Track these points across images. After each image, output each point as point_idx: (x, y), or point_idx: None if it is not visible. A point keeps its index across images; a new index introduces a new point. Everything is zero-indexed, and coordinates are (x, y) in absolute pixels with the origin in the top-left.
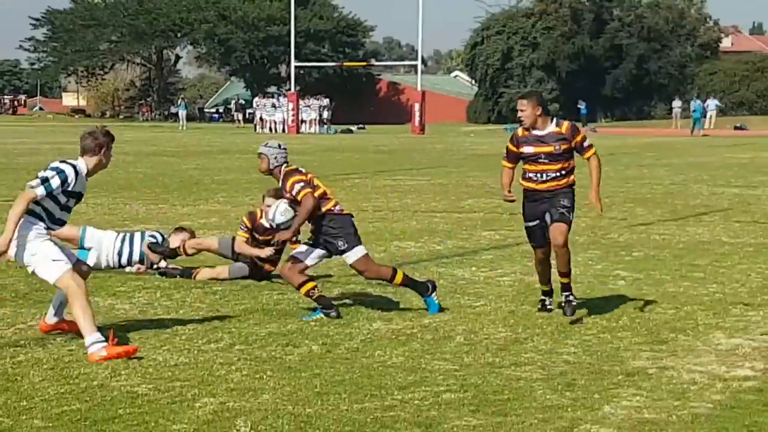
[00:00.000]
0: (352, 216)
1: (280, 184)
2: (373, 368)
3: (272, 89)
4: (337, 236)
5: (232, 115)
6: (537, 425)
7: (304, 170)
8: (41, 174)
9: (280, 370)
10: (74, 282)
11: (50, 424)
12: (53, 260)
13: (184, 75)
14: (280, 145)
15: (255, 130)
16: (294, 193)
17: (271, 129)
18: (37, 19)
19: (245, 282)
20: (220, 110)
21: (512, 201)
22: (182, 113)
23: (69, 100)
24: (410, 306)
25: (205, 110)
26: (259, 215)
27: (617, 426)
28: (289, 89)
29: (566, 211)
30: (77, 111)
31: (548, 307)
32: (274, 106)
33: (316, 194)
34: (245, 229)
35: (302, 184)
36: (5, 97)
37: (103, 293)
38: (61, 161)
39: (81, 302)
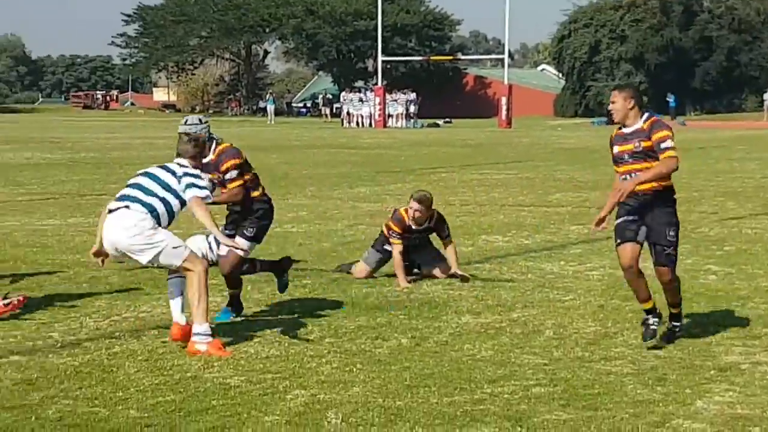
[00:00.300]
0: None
1: (206, 159)
2: (462, 362)
3: (359, 84)
4: (252, 223)
5: (320, 110)
6: (628, 420)
7: (238, 149)
8: (195, 181)
9: (370, 362)
10: (201, 265)
11: (145, 415)
12: (176, 246)
13: (272, 70)
14: (201, 120)
15: (342, 124)
16: (227, 177)
17: (358, 123)
18: (129, 15)
19: (334, 275)
20: (308, 105)
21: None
22: (270, 108)
23: (159, 95)
24: (499, 301)
25: (293, 105)
26: (406, 218)
27: (710, 421)
28: (376, 83)
29: (671, 249)
30: (167, 106)
31: (651, 327)
32: (361, 100)
33: (247, 178)
34: (397, 236)
35: (237, 171)
36: (98, 92)
37: None
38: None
39: (202, 287)
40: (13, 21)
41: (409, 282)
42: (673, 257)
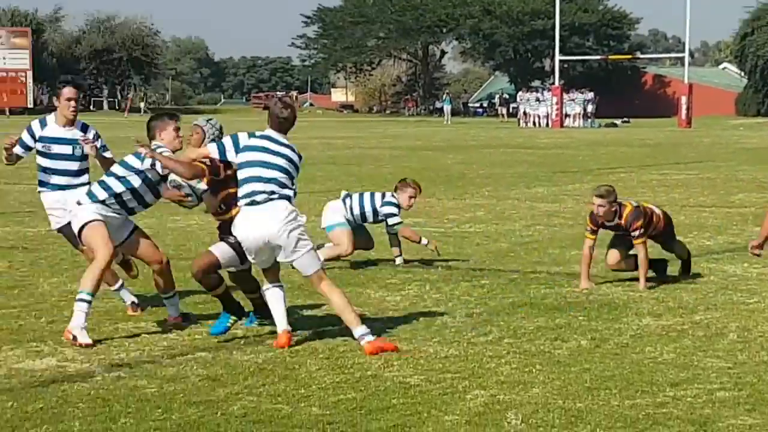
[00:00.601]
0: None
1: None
2: (644, 364)
3: (536, 83)
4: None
5: (496, 110)
6: None
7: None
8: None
9: (550, 364)
10: (327, 277)
11: (327, 412)
12: (314, 251)
13: (449, 70)
14: (220, 128)
15: (519, 124)
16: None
17: (534, 123)
18: (308, 17)
19: (512, 275)
20: (484, 105)
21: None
22: (447, 108)
23: (338, 95)
24: (680, 303)
25: (469, 105)
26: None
27: None
28: (553, 83)
29: None
30: (345, 106)
31: None
32: (538, 100)
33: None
34: (590, 231)
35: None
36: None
37: (374, 285)
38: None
39: (342, 295)
40: (196, 24)
41: (590, 283)
42: None
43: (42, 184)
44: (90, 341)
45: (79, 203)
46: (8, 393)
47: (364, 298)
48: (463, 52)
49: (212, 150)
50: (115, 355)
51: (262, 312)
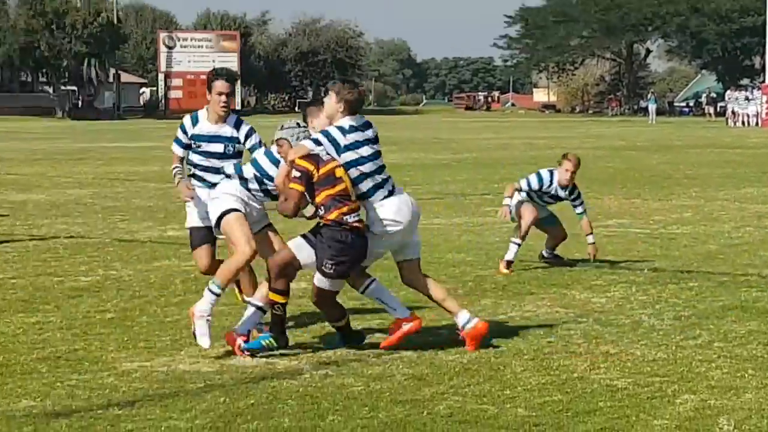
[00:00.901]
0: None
1: None
2: None
3: (745, 81)
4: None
5: (703, 109)
6: None
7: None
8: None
9: (763, 369)
10: None
11: (533, 414)
12: None
13: (654, 69)
14: (299, 124)
15: (727, 123)
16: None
17: (744, 122)
18: (511, 17)
19: (722, 278)
20: (690, 104)
21: None
22: (652, 107)
23: (539, 95)
24: None
25: (675, 104)
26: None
27: None
28: (763, 81)
29: None
30: (547, 107)
31: None
32: (747, 98)
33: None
34: None
35: (301, 173)
36: (479, 93)
37: (578, 287)
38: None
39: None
40: (399, 25)
41: None
42: None
43: (195, 177)
44: (206, 345)
45: (226, 175)
46: (220, 389)
47: (568, 299)
48: (669, 50)
49: (310, 146)
50: (323, 353)
51: (348, 338)
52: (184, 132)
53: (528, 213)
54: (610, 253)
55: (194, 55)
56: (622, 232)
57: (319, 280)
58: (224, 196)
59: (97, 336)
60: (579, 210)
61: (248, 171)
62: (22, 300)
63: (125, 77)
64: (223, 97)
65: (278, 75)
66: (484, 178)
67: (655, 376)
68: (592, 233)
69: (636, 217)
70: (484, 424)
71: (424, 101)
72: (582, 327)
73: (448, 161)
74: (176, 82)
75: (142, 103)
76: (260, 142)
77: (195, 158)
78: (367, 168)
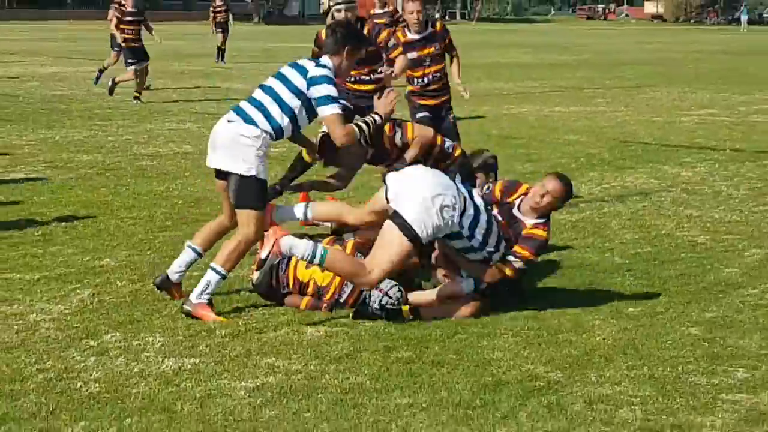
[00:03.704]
0: None
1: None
2: None
3: None
4: None
5: None
6: None
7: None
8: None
9: None
10: None
11: (627, 261)
12: None
13: None
14: None
15: None
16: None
17: None
18: None
19: None
20: None
21: None
22: (744, 18)
23: (649, 7)
24: None
25: (764, 15)
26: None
27: None
28: None
29: None
30: (656, 17)
31: None
32: None
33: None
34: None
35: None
36: (598, 6)
37: (670, 163)
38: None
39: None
40: None
41: None
42: None
43: None
44: None
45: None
46: None
47: (662, 173)
48: None
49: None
50: None
51: None
52: None
53: None
54: (701, 136)
55: None
56: (711, 120)
57: None
58: None
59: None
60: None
61: None
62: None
63: None
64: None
65: None
66: (599, 75)
67: (728, 234)
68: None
69: (723, 108)
70: (586, 268)
71: (552, 12)
72: (671, 195)
73: (570, 62)
74: None
75: (322, 11)
76: None
77: None
78: None
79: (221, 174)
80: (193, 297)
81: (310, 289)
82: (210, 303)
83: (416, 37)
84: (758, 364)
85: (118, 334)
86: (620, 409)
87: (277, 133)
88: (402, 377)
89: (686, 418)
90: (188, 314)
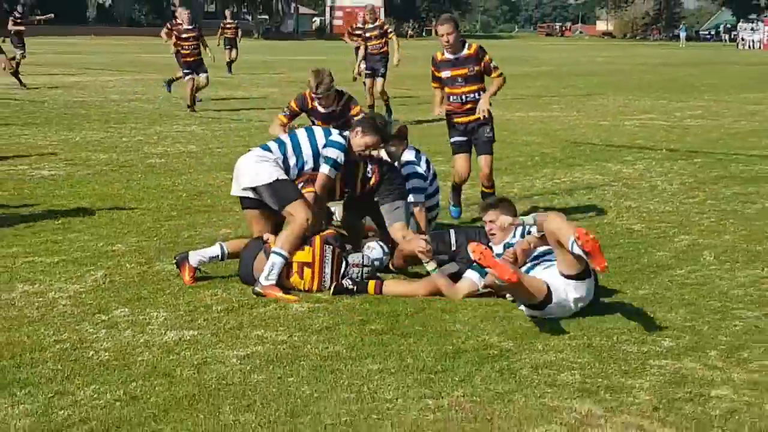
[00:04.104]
0: None
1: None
2: None
3: (752, 16)
4: None
5: (720, 37)
6: None
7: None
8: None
9: (740, 219)
10: None
11: None
12: None
13: (686, 6)
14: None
15: (737, 47)
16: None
17: (749, 46)
18: None
19: (719, 156)
20: (712, 32)
21: None
22: (683, 35)
23: (601, 26)
24: None
25: (700, 32)
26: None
27: None
28: (766, 16)
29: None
30: (606, 34)
31: None
32: (752, 29)
33: None
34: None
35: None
36: (556, 24)
37: (613, 161)
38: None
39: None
40: None
41: None
42: None
43: None
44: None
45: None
46: None
47: (605, 169)
48: None
49: None
50: None
51: None
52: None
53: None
54: (641, 138)
55: None
56: (651, 123)
57: None
58: None
59: None
60: None
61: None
62: (224, 162)
63: (302, 9)
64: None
65: (411, 9)
66: (555, 84)
67: (661, 222)
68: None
69: (661, 113)
70: None
71: (516, 29)
72: (613, 189)
73: (530, 73)
74: (338, 13)
75: (313, 28)
76: None
77: None
78: None
79: (247, 202)
80: (261, 280)
81: (294, 268)
82: (276, 284)
83: (450, 57)
84: (682, 334)
85: (126, 309)
86: (562, 374)
87: (285, 164)
88: (374, 347)
89: (619, 381)
90: (259, 295)
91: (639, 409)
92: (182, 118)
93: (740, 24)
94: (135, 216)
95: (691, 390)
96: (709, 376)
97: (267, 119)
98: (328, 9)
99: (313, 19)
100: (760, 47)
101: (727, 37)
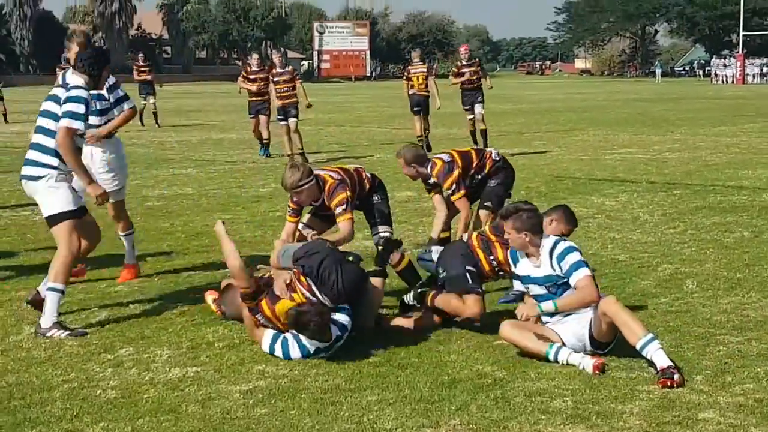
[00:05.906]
0: None
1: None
2: None
3: (725, 52)
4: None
5: (695, 72)
6: None
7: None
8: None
9: (720, 248)
10: None
11: None
12: None
13: (661, 44)
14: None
15: (711, 82)
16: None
17: (723, 81)
18: (559, 8)
19: (697, 188)
20: (686, 68)
21: None
22: (658, 71)
23: (579, 64)
24: None
25: (675, 68)
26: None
27: None
28: (738, 52)
29: None
30: (584, 71)
31: None
32: (725, 65)
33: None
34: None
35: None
36: (536, 63)
37: (596, 194)
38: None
39: None
40: (480, 12)
41: None
42: None
43: None
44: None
45: None
46: None
47: (589, 202)
48: (671, 30)
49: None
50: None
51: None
52: None
53: None
54: (621, 171)
55: (337, 38)
56: (630, 157)
57: None
58: None
59: (270, 227)
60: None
61: None
62: (220, 203)
63: (291, 54)
64: None
65: (395, 51)
66: (536, 121)
67: (644, 252)
68: None
69: (640, 147)
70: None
71: (498, 69)
72: (597, 221)
73: (512, 110)
74: (325, 57)
75: (302, 71)
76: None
77: None
78: None
79: None
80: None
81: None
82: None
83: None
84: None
85: (131, 348)
86: (555, 400)
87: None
88: (372, 378)
89: (609, 406)
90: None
91: None
92: (177, 161)
93: (713, 60)
94: None
95: (679, 413)
96: (695, 400)
97: (260, 160)
98: (315, 53)
99: (302, 63)
100: (733, 81)
101: (701, 72)
